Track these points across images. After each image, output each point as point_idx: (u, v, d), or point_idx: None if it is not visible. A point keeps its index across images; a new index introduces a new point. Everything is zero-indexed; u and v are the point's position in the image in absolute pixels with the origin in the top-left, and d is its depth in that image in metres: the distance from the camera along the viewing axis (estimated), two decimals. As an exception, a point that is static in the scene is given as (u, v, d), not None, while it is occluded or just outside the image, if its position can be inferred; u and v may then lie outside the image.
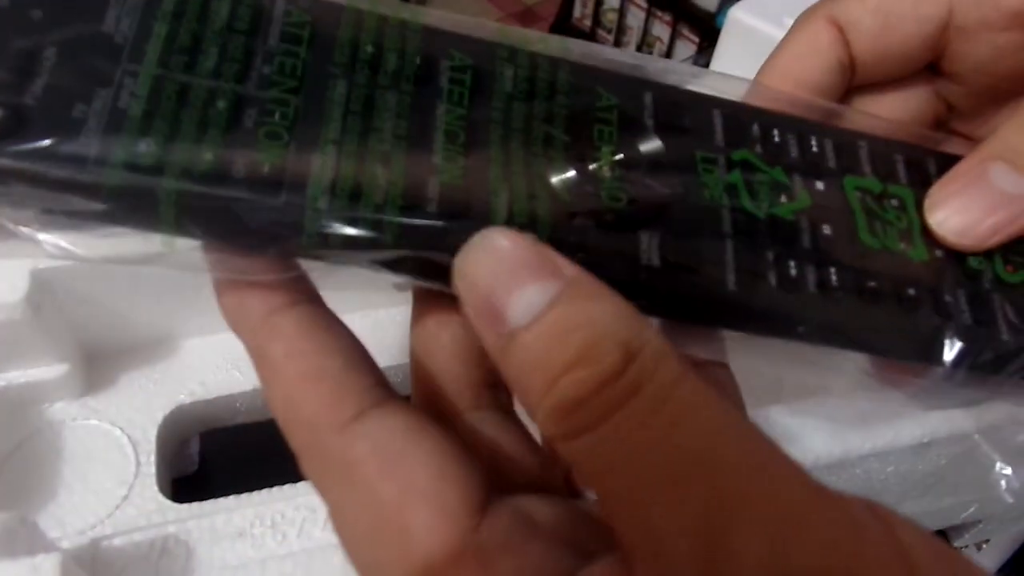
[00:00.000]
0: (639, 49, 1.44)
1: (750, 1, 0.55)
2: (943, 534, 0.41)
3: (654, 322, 0.17)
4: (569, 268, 0.14)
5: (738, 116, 0.19)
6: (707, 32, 1.24)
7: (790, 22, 0.23)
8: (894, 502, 0.33)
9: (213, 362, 0.37)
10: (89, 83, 0.14)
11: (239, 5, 0.16)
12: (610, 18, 1.47)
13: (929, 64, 0.22)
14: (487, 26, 0.18)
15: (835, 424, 0.27)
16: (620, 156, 0.17)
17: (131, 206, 0.14)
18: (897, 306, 0.18)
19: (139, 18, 0.15)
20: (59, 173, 0.14)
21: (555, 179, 0.16)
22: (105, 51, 0.15)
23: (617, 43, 1.46)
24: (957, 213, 0.19)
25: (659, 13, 1.41)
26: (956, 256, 0.19)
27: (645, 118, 0.18)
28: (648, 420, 0.13)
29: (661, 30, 1.38)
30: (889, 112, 0.23)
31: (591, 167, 0.17)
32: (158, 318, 0.36)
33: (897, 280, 0.18)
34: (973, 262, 0.19)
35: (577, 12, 1.52)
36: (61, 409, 0.34)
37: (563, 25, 1.52)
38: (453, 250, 0.14)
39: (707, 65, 0.56)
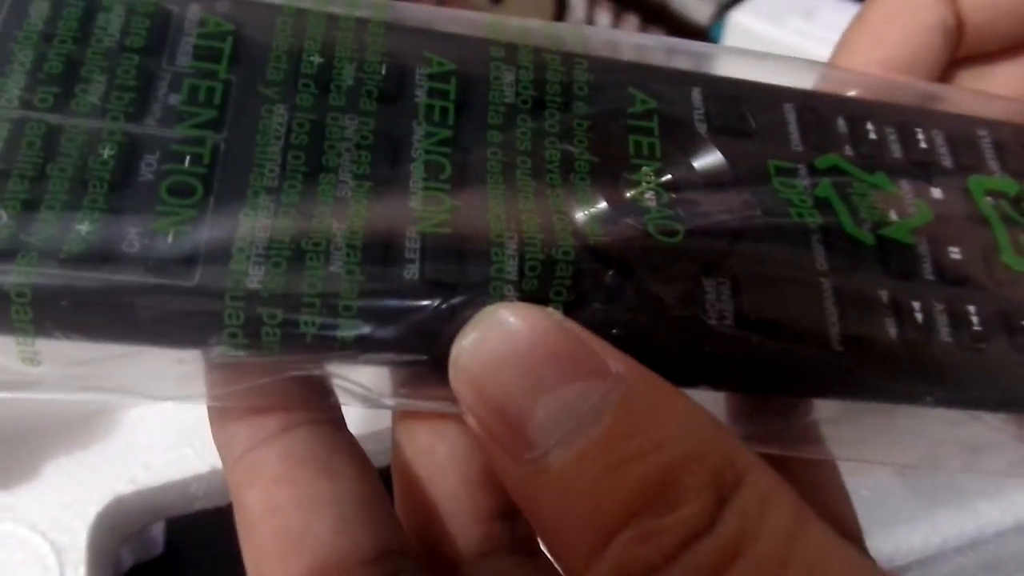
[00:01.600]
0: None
1: (751, 3, 0.51)
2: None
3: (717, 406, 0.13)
4: (617, 360, 0.10)
5: (817, 109, 0.15)
6: (703, 45, 1.23)
7: (797, 23, 0.19)
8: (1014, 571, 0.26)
9: (161, 438, 0.30)
10: None
11: (132, 16, 0.12)
12: (602, 38, 1.45)
13: None
14: (475, 19, 0.14)
15: (960, 494, 0.21)
16: (667, 176, 0.13)
17: None
18: None
19: None
20: None
21: (581, 215, 0.13)
22: None
23: (610, 63, 1.44)
24: None
25: (651, 29, 1.38)
26: None
27: (695, 122, 0.14)
28: None
29: (655, 46, 1.36)
30: (1006, 90, 0.18)
31: (629, 194, 0.13)
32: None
33: None
34: None
35: (567, 34, 1.50)
36: (-33, 511, 0.28)
37: (553, 47, 1.50)
38: (444, 336, 0.11)
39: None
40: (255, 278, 0.11)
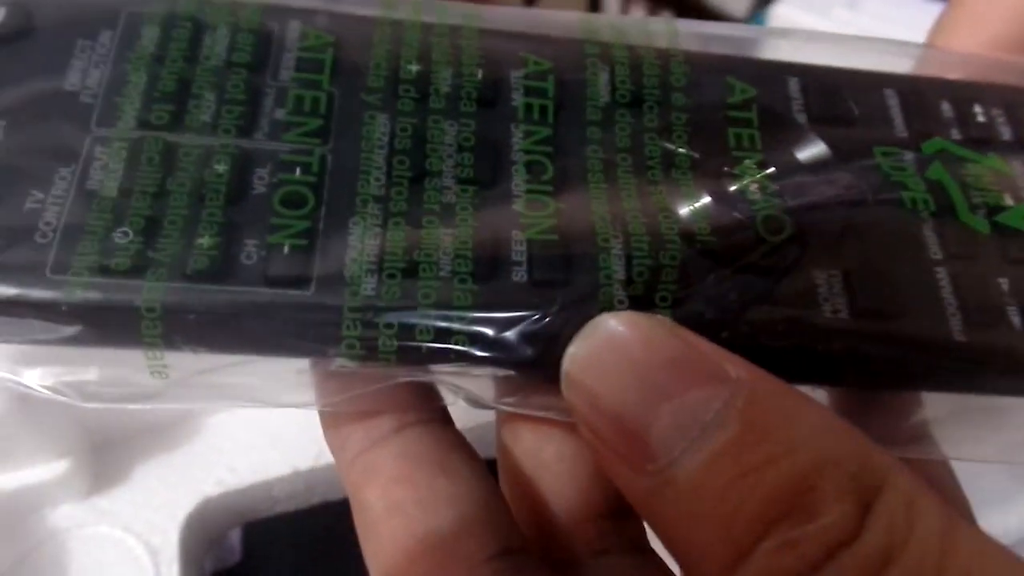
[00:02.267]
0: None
1: (792, -6, 0.51)
2: None
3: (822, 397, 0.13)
4: (736, 364, 0.10)
5: (920, 93, 0.15)
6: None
7: (841, 13, 0.18)
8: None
9: (244, 441, 0.31)
10: (48, 161, 0.11)
11: (237, 34, 0.13)
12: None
13: None
14: (566, 19, 0.14)
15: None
16: (771, 167, 0.13)
17: (108, 325, 0.11)
18: None
19: (111, 67, 0.12)
20: (8, 292, 0.11)
21: (686, 212, 0.12)
22: (69, 115, 0.12)
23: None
24: None
25: (688, 24, 1.37)
26: None
27: (795, 112, 0.14)
28: None
29: (691, 41, 1.35)
30: None
31: (733, 187, 0.13)
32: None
33: None
34: None
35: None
36: (65, 515, 0.29)
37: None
38: (556, 344, 0.11)
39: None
40: (370, 289, 0.11)
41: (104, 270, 0.11)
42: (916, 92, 0.15)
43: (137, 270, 0.11)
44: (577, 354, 0.11)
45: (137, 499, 0.29)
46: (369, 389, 0.12)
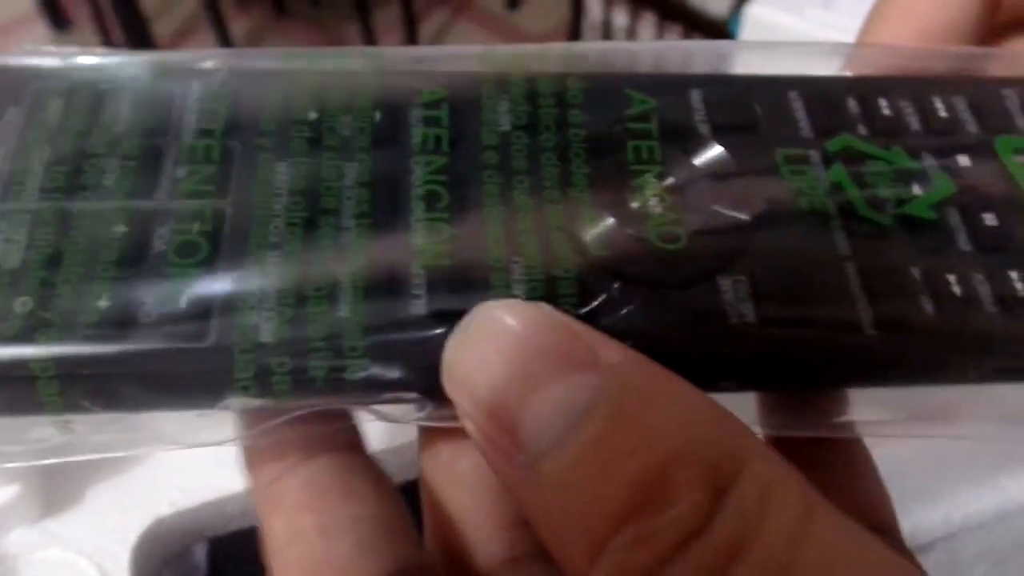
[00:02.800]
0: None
1: (767, -5, 0.51)
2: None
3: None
4: (612, 350, 0.10)
5: (826, 92, 0.15)
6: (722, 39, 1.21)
7: (816, 12, 0.17)
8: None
9: (195, 461, 0.32)
10: None
11: (139, 101, 0.13)
12: (621, 39, 1.43)
13: None
14: (465, 51, 0.15)
15: (980, 469, 0.20)
16: (670, 179, 0.13)
17: (7, 391, 0.11)
18: None
19: (16, 141, 0.13)
20: None
21: (580, 230, 0.13)
22: None
23: (630, 62, 1.43)
24: None
25: (670, 26, 1.37)
26: None
27: (696, 122, 0.14)
28: None
29: (674, 43, 1.35)
30: None
31: (631, 203, 0.13)
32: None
33: None
34: None
35: (587, 37, 1.49)
36: (16, 539, 0.29)
37: (573, 52, 1.50)
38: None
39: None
40: (263, 331, 0.11)
41: (2, 338, 0.11)
42: (821, 92, 0.15)
43: (29, 330, 0.11)
44: (454, 343, 0.11)
45: (88, 522, 0.30)
46: (276, 422, 0.12)
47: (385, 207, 0.13)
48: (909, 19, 0.17)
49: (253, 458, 0.13)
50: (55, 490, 0.30)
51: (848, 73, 0.16)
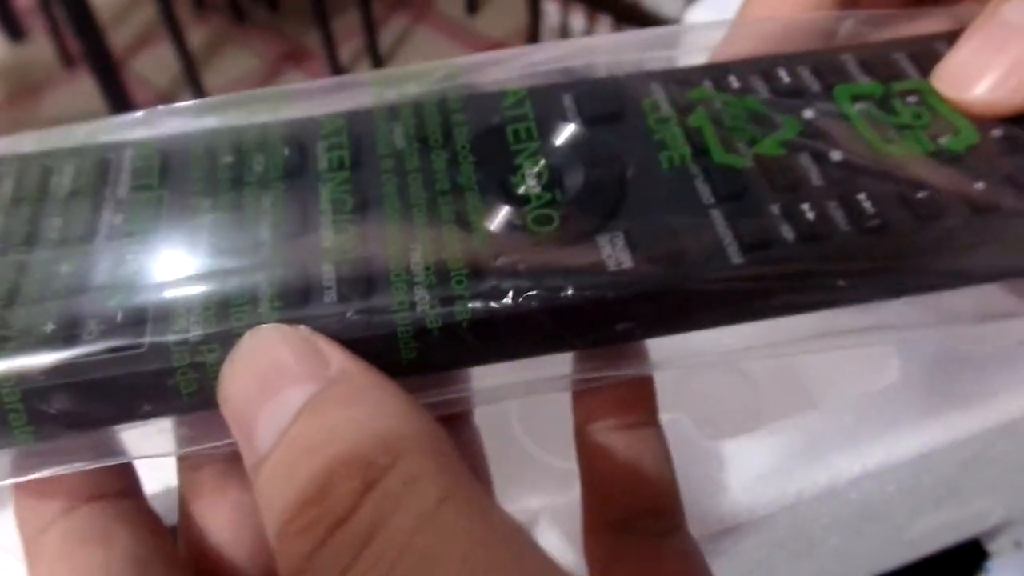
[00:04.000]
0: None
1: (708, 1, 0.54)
2: (976, 542, 0.37)
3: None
4: (335, 361, 0.11)
5: (683, 79, 0.16)
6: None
7: None
8: (904, 522, 0.30)
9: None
10: None
11: (80, 166, 0.15)
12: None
13: None
14: (360, 79, 0.16)
15: (818, 448, 0.24)
16: (542, 163, 0.14)
17: None
18: (971, 215, 0.14)
19: None
20: None
21: (468, 225, 0.14)
22: None
23: (588, 66, 1.46)
24: (979, 73, 0.15)
25: (625, 27, 1.40)
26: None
27: (566, 108, 0.15)
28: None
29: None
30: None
31: (511, 192, 0.14)
32: None
33: (952, 179, 0.14)
34: None
35: (545, 40, 1.52)
36: None
37: (532, 55, 1.53)
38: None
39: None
40: (194, 331, 0.13)
41: None
42: (680, 78, 0.16)
43: None
44: (227, 363, 0.12)
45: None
46: (46, 472, 0.13)
47: (300, 218, 0.14)
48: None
49: (18, 505, 0.14)
50: None
51: (727, 53, 0.17)
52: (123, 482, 0.15)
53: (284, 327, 0.12)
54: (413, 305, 0.13)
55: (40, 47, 1.54)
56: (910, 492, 0.27)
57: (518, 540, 0.10)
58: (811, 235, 0.14)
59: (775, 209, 0.14)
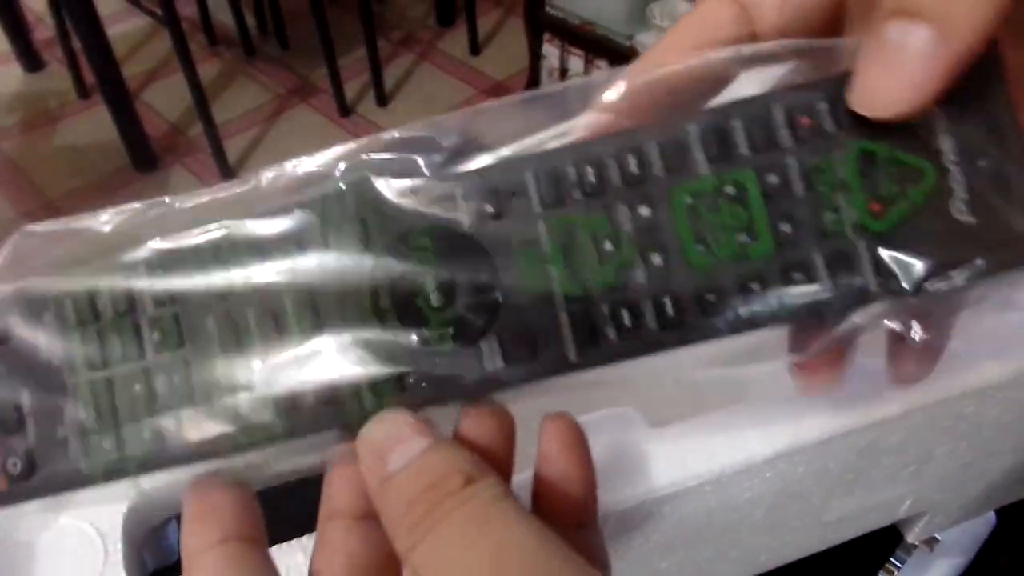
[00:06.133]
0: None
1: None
2: (894, 529, 0.42)
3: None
4: (426, 434, 0.18)
5: (551, 169, 0.18)
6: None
7: None
8: (820, 503, 0.35)
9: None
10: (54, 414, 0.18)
11: (113, 296, 0.18)
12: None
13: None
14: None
15: (738, 433, 0.29)
16: (436, 291, 0.18)
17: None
18: (740, 297, 0.18)
19: (58, 339, 0.18)
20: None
21: (388, 342, 0.18)
22: (48, 379, 0.18)
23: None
24: (878, 85, 0.17)
25: (621, 70, 1.46)
26: (808, 220, 0.18)
27: (461, 216, 0.18)
28: (469, 526, 0.16)
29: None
30: None
31: (420, 324, 0.18)
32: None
33: (741, 274, 0.18)
34: (830, 219, 0.18)
35: (544, 81, 1.59)
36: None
37: (531, 95, 1.59)
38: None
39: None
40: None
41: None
42: (548, 168, 0.18)
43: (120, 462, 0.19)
44: (368, 424, 0.18)
45: (87, 495, 0.38)
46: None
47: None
48: (680, 47, 0.20)
49: (188, 528, 0.19)
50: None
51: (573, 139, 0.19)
52: (261, 531, 0.20)
53: (395, 412, 0.18)
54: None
55: (56, 77, 1.60)
56: (820, 474, 0.32)
57: (534, 527, 0.16)
58: (624, 334, 0.18)
59: (605, 310, 0.18)
